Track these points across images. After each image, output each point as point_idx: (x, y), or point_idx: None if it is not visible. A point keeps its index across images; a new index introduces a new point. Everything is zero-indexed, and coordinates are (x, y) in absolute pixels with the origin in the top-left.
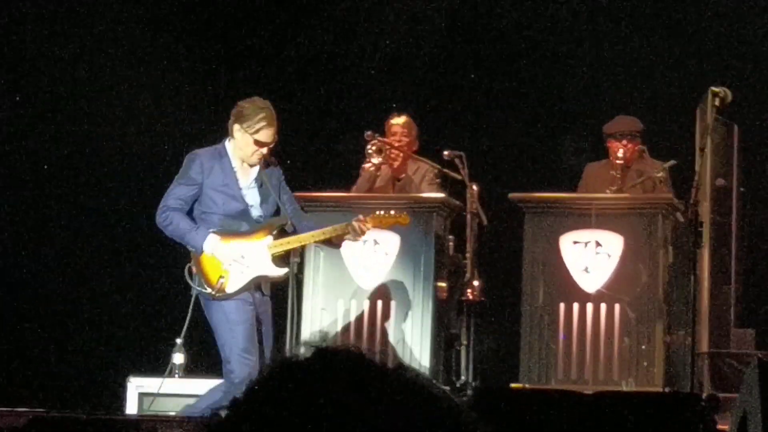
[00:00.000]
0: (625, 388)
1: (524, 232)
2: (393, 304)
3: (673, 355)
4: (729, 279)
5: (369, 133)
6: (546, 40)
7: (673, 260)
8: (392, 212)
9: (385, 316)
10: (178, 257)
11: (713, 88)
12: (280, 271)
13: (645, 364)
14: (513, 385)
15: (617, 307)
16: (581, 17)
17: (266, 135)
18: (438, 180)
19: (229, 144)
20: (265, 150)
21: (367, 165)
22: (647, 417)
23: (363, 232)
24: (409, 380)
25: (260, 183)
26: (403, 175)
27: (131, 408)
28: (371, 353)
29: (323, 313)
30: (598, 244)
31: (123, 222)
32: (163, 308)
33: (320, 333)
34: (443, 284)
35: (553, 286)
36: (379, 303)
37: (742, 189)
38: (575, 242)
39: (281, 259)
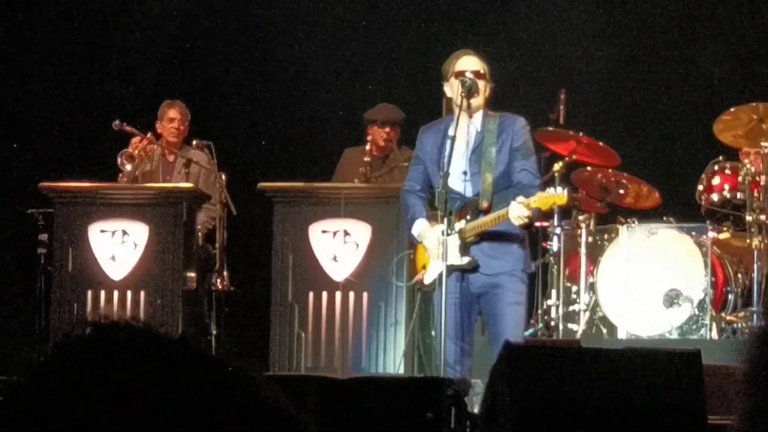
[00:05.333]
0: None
1: (273, 221)
2: (143, 294)
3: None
4: None
5: (117, 122)
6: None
7: None
8: (551, 191)
9: (135, 305)
10: None
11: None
12: (463, 260)
13: (393, 350)
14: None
15: (365, 295)
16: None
17: (462, 64)
18: (188, 170)
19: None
20: (469, 76)
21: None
22: (401, 401)
23: (522, 216)
24: (196, 351)
25: (479, 148)
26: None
27: None
28: (150, 326)
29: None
30: (346, 233)
31: None
32: None
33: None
34: (192, 274)
35: (302, 275)
36: (129, 293)
37: None
38: (324, 231)
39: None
